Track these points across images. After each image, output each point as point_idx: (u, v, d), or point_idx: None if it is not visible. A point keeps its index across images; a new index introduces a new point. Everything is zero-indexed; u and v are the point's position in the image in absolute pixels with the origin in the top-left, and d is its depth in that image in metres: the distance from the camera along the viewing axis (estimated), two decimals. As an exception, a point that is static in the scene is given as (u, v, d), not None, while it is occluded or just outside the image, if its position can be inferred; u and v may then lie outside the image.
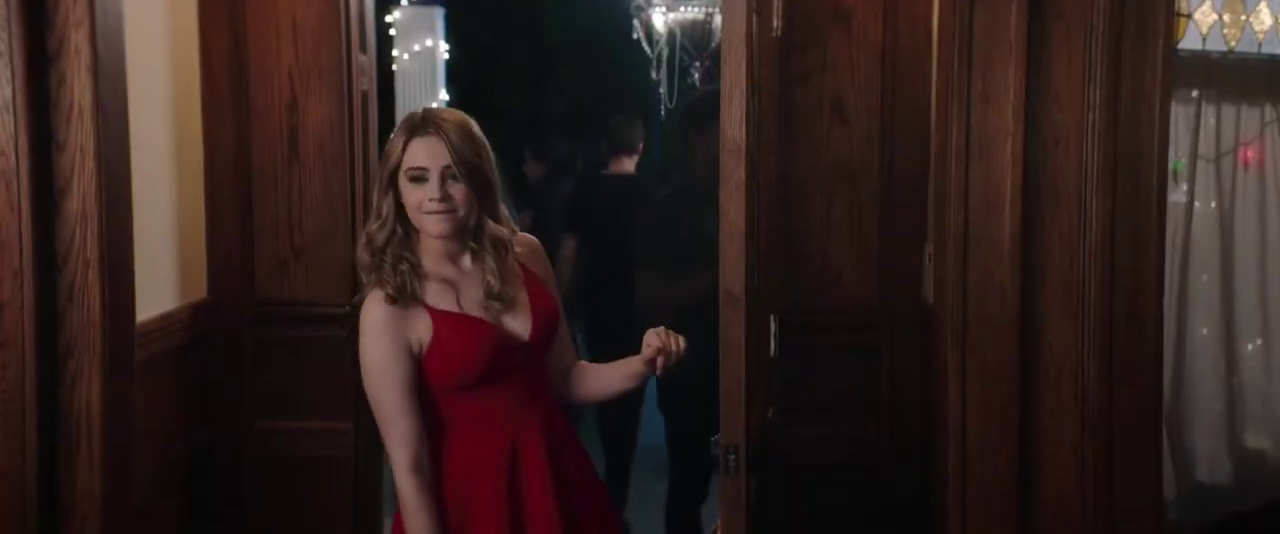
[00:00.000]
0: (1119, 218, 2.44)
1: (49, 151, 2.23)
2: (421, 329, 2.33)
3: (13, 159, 2.18)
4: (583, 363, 2.65)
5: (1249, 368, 3.15)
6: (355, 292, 2.47)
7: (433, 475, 2.35)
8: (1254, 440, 3.16)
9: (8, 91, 2.17)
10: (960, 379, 2.48)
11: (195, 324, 3.06)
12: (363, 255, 2.38)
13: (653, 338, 2.39)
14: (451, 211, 2.31)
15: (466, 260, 2.41)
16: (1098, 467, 2.48)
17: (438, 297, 2.36)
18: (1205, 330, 3.11)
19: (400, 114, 7.00)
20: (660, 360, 2.39)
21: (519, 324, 2.41)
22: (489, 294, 2.37)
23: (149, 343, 2.72)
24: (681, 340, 2.40)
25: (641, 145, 5.53)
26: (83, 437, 2.28)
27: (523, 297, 2.43)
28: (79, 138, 2.23)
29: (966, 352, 2.48)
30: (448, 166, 2.30)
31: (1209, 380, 3.12)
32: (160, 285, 2.92)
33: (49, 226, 2.24)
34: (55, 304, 2.26)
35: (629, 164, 5.48)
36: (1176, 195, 3.01)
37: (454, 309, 2.36)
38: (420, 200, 2.31)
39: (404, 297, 2.31)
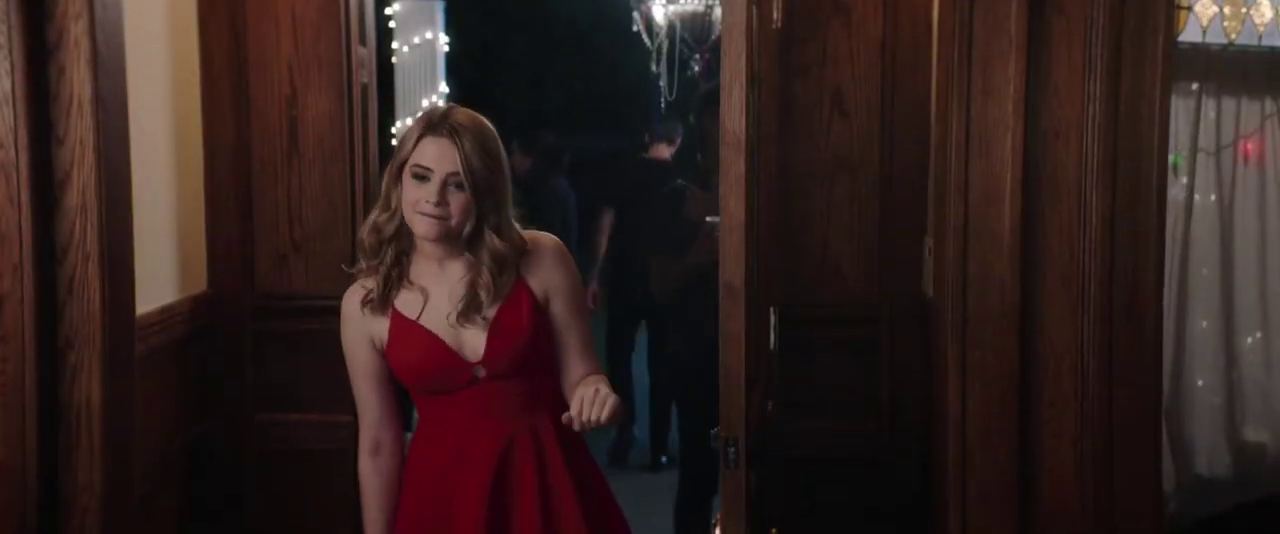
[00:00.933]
0: (1119, 211, 2.44)
1: (48, 144, 2.23)
2: (382, 330, 2.37)
3: (12, 152, 2.18)
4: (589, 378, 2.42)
5: (1248, 361, 3.16)
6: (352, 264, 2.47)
7: (394, 463, 2.45)
8: (1253, 434, 3.16)
9: (7, 84, 2.17)
10: (960, 372, 2.49)
11: (195, 317, 3.06)
12: (368, 240, 2.36)
13: (573, 402, 2.22)
14: (444, 219, 2.26)
15: (456, 267, 2.35)
16: (1097, 460, 2.48)
17: (407, 302, 2.36)
18: (1205, 324, 3.11)
19: (400, 107, 6.99)
20: (577, 425, 2.21)
21: (477, 344, 2.34)
22: (462, 310, 2.32)
23: (149, 336, 2.72)
24: (608, 409, 2.17)
25: (678, 139, 5.97)
26: (83, 430, 2.28)
27: (492, 314, 2.33)
28: (79, 131, 2.23)
29: (966, 345, 2.48)
30: (453, 173, 2.25)
31: (1208, 374, 3.12)
32: (160, 279, 2.92)
33: (49, 220, 2.24)
34: (55, 297, 2.25)
35: (666, 152, 5.93)
36: (1176, 189, 3.01)
37: (413, 318, 2.34)
38: (417, 200, 2.27)
39: (375, 302, 2.36)
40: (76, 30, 2.21)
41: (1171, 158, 2.76)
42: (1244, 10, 3.00)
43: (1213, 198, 3.09)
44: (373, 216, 2.37)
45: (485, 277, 2.32)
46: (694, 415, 4.05)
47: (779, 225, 3.08)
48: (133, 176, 2.41)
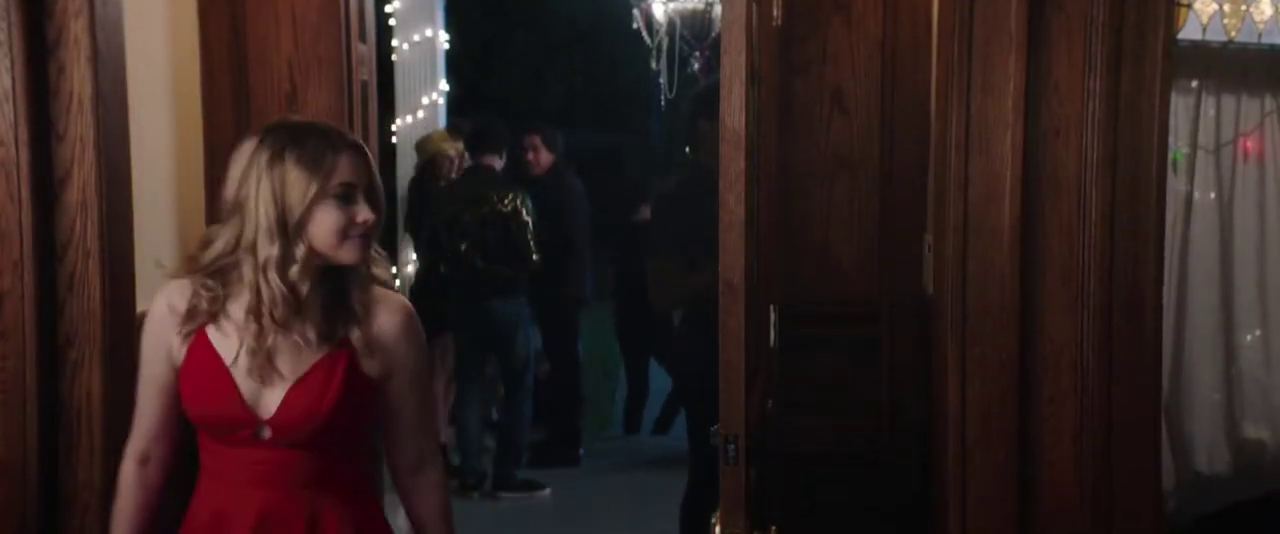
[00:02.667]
0: (1119, 208, 2.44)
1: (49, 141, 2.23)
2: (178, 349, 2.09)
3: (13, 149, 2.18)
4: (430, 485, 2.21)
5: (1248, 358, 3.16)
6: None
7: (161, 478, 2.16)
8: (1253, 430, 3.16)
9: (7, 82, 2.17)
10: (960, 369, 2.49)
11: (195, 314, 3.05)
12: (283, 297, 2.02)
13: None
14: (369, 236, 2.07)
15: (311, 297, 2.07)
16: (1097, 457, 2.48)
17: (226, 326, 2.07)
18: (1204, 320, 3.11)
19: (400, 105, 6.97)
20: None
21: (271, 397, 2.06)
22: (327, 331, 2.07)
23: (149, 333, 2.72)
24: None
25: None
26: (83, 427, 2.28)
27: (304, 371, 2.07)
28: (79, 128, 2.23)
29: (966, 342, 2.48)
30: (370, 186, 2.07)
31: (1208, 370, 3.12)
32: (160, 275, 2.92)
33: (49, 217, 2.24)
34: (55, 294, 2.26)
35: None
36: (1176, 186, 3.01)
37: (217, 346, 2.07)
38: (345, 222, 2.03)
39: (194, 318, 2.08)
40: (76, 28, 2.21)
41: (1171, 154, 2.76)
42: (1244, 8, 3.00)
43: (1212, 195, 3.10)
44: (279, 274, 2.01)
45: (362, 294, 2.10)
46: (700, 417, 4.04)
47: (779, 223, 3.09)
48: (133, 174, 2.41)
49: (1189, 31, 2.93)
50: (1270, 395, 3.16)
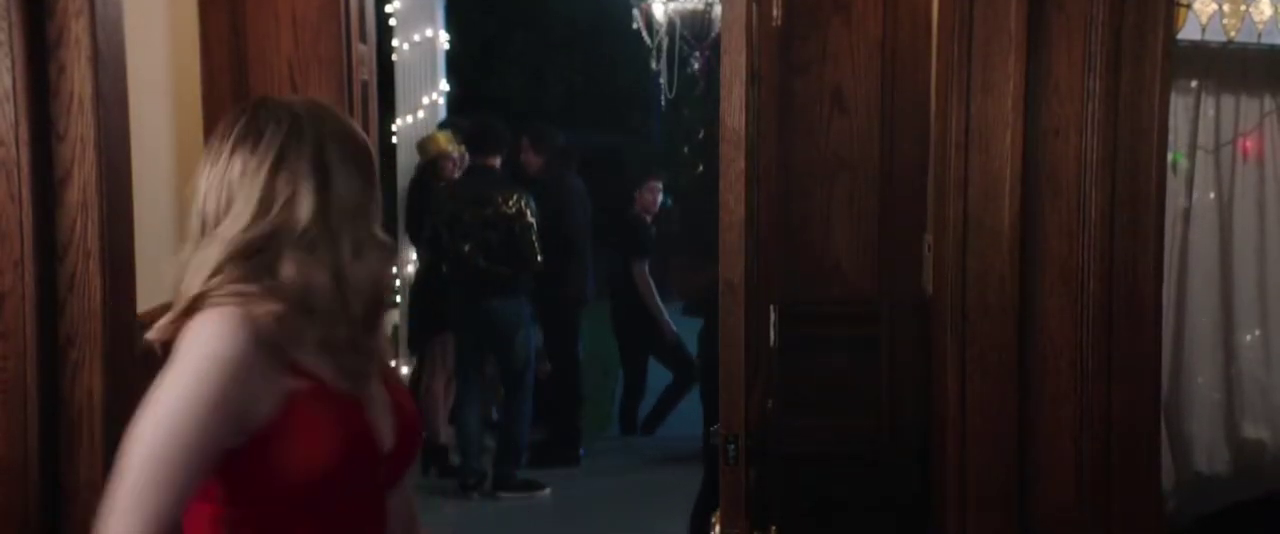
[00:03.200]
0: (1118, 208, 2.45)
1: (49, 141, 2.23)
2: (271, 396, 1.53)
3: (13, 149, 2.18)
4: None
5: (1247, 358, 3.16)
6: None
7: None
8: (1252, 430, 3.17)
9: (8, 81, 2.17)
10: (959, 368, 2.49)
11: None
12: (369, 311, 1.62)
13: None
14: None
15: None
16: (1096, 456, 2.48)
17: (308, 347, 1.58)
18: (1204, 320, 3.12)
19: (400, 105, 6.97)
20: None
21: (385, 425, 1.64)
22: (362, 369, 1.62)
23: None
24: None
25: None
26: (84, 426, 2.28)
27: (382, 386, 1.68)
28: (79, 128, 2.23)
29: (966, 341, 2.48)
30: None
31: (1208, 371, 3.13)
32: (161, 275, 2.92)
33: (49, 217, 2.24)
34: (56, 294, 2.26)
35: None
36: (1175, 189, 3.02)
37: (324, 377, 1.57)
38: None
39: (287, 347, 1.55)
40: (77, 28, 2.21)
41: (1171, 155, 2.76)
42: (1243, 8, 3.00)
43: (1212, 195, 3.10)
44: (356, 268, 1.60)
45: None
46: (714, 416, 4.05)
47: (779, 223, 3.09)
48: (133, 174, 2.41)
49: (1189, 31, 2.94)
50: (1270, 395, 3.16)
